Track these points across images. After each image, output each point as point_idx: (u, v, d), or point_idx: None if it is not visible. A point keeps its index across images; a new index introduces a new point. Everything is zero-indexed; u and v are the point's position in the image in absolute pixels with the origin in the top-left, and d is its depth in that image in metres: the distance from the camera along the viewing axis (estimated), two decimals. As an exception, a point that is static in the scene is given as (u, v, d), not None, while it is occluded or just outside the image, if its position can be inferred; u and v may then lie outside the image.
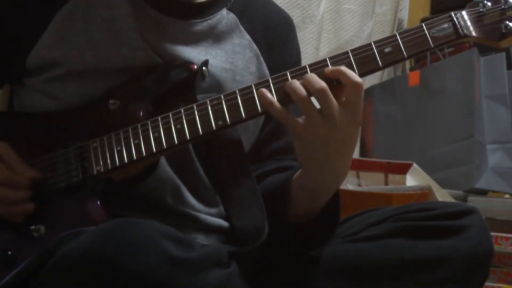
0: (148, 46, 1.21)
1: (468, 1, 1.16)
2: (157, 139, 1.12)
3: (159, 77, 1.20)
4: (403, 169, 2.00)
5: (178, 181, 1.22)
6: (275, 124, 1.33)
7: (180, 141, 1.12)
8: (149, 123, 1.14)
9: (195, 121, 1.12)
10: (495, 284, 1.83)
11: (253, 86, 1.12)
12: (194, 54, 1.24)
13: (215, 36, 1.28)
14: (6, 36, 1.24)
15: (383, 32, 2.57)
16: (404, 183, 1.96)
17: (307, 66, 1.11)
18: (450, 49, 2.39)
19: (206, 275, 0.95)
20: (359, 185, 2.03)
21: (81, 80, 1.20)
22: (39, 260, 1.00)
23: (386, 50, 1.10)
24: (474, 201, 2.00)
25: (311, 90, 1.07)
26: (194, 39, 1.25)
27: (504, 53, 2.30)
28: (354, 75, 1.08)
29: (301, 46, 1.47)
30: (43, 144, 1.20)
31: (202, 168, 1.25)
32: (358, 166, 2.04)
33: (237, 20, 1.30)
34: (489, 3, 1.12)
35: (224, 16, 1.29)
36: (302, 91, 1.07)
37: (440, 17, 1.12)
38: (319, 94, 1.07)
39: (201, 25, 1.26)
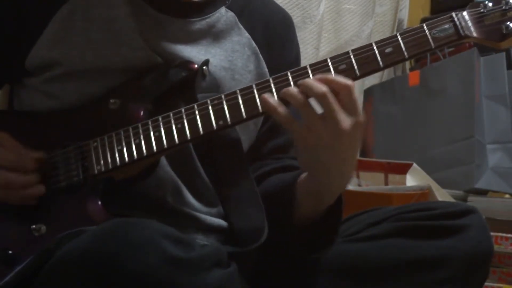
0: (148, 45, 1.20)
1: (468, 1, 1.16)
2: (158, 139, 1.12)
3: (159, 76, 1.20)
4: (403, 169, 1.99)
5: (178, 181, 1.22)
6: (273, 122, 1.32)
7: (181, 140, 1.12)
8: (149, 122, 1.14)
9: (196, 121, 1.12)
10: (495, 284, 1.83)
11: (254, 86, 1.12)
12: (193, 53, 1.24)
13: (214, 35, 1.28)
14: (6, 36, 1.24)
15: (383, 32, 2.57)
16: (404, 183, 1.95)
17: (308, 66, 1.11)
18: (450, 49, 2.38)
19: (206, 275, 0.95)
20: (359, 185, 2.03)
21: (81, 80, 1.20)
22: (39, 259, 1.00)
23: (387, 50, 1.10)
24: (474, 201, 2.00)
25: (312, 95, 1.07)
26: (193, 38, 1.25)
27: (504, 53, 2.29)
28: (341, 79, 1.07)
29: (301, 46, 1.47)
30: (43, 144, 1.19)
31: (202, 168, 1.25)
32: (358, 166, 2.03)
33: (236, 18, 1.30)
34: (490, 4, 1.12)
35: (223, 15, 1.29)
36: (301, 97, 1.07)
37: (441, 17, 1.12)
38: (321, 98, 1.06)
39: (200, 24, 1.26)
